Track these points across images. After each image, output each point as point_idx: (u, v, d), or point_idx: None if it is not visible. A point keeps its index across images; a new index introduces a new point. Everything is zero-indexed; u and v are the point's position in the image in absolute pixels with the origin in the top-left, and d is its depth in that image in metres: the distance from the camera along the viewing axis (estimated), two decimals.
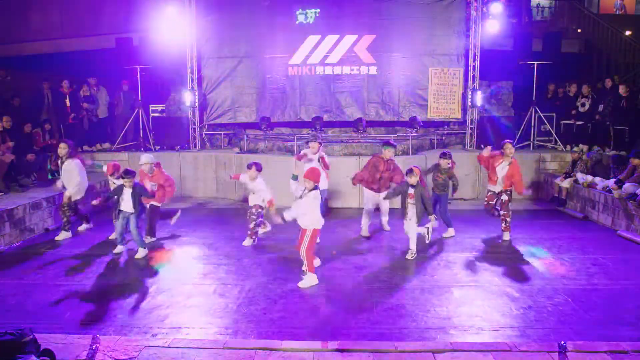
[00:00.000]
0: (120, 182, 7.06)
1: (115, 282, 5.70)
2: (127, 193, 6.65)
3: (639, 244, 7.08)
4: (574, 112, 10.94)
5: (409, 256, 6.47)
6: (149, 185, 7.27)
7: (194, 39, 11.11)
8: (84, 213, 7.90)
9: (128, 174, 6.69)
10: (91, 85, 11.62)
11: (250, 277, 5.85)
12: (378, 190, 7.50)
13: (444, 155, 7.41)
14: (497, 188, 7.42)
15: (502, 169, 7.36)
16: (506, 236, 7.40)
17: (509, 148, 7.32)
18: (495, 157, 7.47)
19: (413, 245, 6.51)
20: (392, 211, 7.90)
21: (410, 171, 6.42)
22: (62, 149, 7.38)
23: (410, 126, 10.90)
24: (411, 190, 6.40)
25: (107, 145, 11.61)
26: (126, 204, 6.68)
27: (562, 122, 11.39)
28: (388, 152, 7.45)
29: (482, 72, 11.14)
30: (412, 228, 6.47)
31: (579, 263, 6.33)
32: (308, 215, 5.55)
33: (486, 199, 7.71)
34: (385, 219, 7.87)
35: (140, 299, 5.21)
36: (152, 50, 11.06)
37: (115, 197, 6.71)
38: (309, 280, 5.56)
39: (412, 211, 6.41)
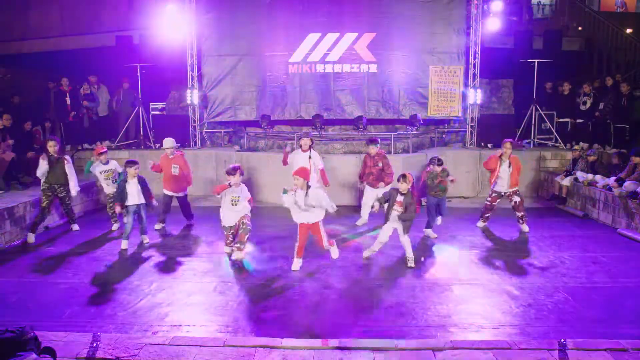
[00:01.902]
0: (104, 167, 7.75)
1: (116, 280, 5.70)
2: (132, 185, 6.79)
3: (639, 242, 7.08)
4: (583, 107, 10.83)
5: (365, 254, 6.41)
6: (176, 170, 7.77)
7: (194, 37, 11.10)
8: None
9: (133, 163, 6.83)
10: (92, 83, 11.62)
11: (250, 275, 5.86)
12: (372, 186, 7.96)
13: (439, 162, 7.33)
14: (504, 188, 7.68)
15: (505, 169, 7.58)
16: (525, 227, 7.77)
17: (508, 147, 7.55)
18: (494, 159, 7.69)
19: (377, 247, 6.34)
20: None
21: (403, 177, 6.02)
22: (53, 146, 7.27)
23: (411, 124, 10.91)
24: (400, 198, 6.02)
25: (107, 143, 11.60)
26: (133, 196, 6.83)
27: (557, 120, 11.37)
28: (372, 149, 7.89)
29: (483, 70, 11.13)
30: (385, 234, 6.24)
31: (579, 261, 6.33)
32: (316, 209, 5.81)
33: (490, 200, 7.85)
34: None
35: (141, 296, 5.22)
36: (153, 48, 11.05)
37: (122, 193, 6.81)
38: (336, 251, 6.20)
39: (394, 218, 6.11)
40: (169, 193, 7.96)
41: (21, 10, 12.61)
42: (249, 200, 6.41)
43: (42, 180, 7.30)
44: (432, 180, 7.32)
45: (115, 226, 7.87)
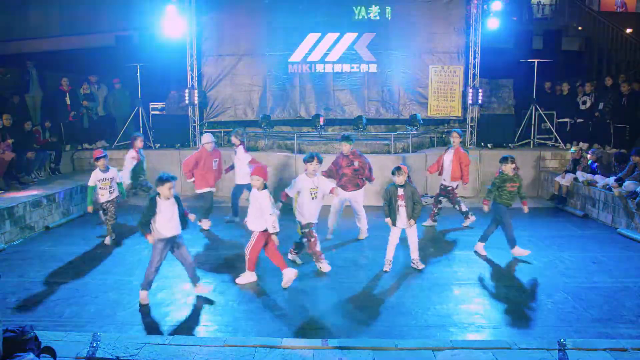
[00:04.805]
0: (102, 175, 6.93)
1: (116, 280, 5.70)
2: (167, 209, 4.92)
3: (639, 242, 7.09)
4: (583, 107, 10.83)
5: (417, 266, 6.01)
6: (216, 164, 7.78)
7: (194, 37, 11.10)
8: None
9: (166, 180, 4.88)
10: (92, 82, 11.61)
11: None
12: (344, 189, 6.94)
13: (505, 160, 6.38)
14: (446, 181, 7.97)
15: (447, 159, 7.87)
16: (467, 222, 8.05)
17: (455, 137, 7.86)
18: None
19: (391, 254, 6.04)
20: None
21: (397, 169, 5.81)
22: (141, 141, 8.29)
23: (411, 124, 10.90)
24: (400, 191, 5.82)
25: (103, 143, 11.58)
26: (170, 223, 4.93)
27: (557, 120, 11.37)
28: (345, 147, 7.04)
29: (483, 69, 11.13)
30: (412, 233, 5.93)
31: (579, 261, 6.34)
32: (261, 217, 5.37)
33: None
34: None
35: None
36: (152, 48, 11.05)
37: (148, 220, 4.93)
38: (248, 277, 5.59)
39: (403, 214, 5.84)
40: (211, 189, 7.89)
41: (21, 10, 12.61)
42: (330, 191, 5.85)
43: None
44: (502, 183, 6.36)
45: (108, 240, 7.08)
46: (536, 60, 10.99)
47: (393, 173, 5.83)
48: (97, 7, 12.39)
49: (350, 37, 11.06)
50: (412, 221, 5.83)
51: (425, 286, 5.52)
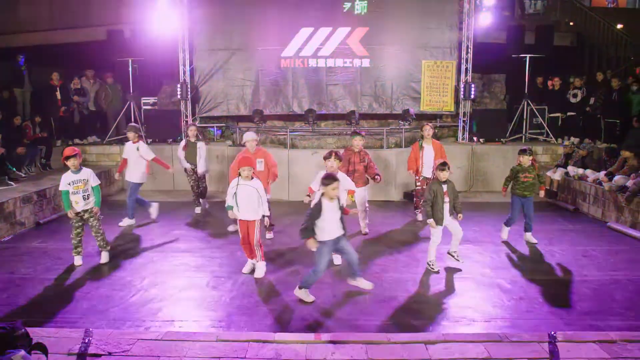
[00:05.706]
0: (74, 177, 5.80)
1: (108, 275, 5.68)
2: (330, 211, 4.65)
3: (629, 236, 7.17)
4: (574, 100, 10.88)
5: (435, 268, 5.80)
6: (261, 165, 6.72)
7: (186, 31, 11.02)
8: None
9: (334, 179, 4.63)
10: (88, 77, 11.50)
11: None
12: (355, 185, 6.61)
13: (523, 152, 6.69)
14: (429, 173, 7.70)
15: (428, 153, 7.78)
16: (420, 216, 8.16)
17: (430, 129, 7.87)
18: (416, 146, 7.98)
19: (434, 254, 5.88)
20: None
21: (445, 164, 5.65)
22: (193, 130, 8.47)
23: (403, 119, 10.92)
24: (445, 188, 5.65)
25: (94, 138, 11.49)
26: (332, 227, 4.72)
27: (548, 115, 11.45)
28: (357, 142, 6.99)
29: (475, 64, 11.16)
30: (458, 228, 5.81)
31: (570, 255, 6.40)
32: (259, 205, 5.53)
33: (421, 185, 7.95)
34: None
35: (133, 292, 5.20)
36: (144, 42, 10.96)
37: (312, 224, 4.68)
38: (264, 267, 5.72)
39: (447, 210, 5.68)
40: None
41: (11, 3, 12.45)
42: (348, 192, 5.73)
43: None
44: (515, 174, 6.70)
45: (78, 260, 5.99)
46: (528, 56, 11.05)
47: (442, 169, 5.63)
48: (88, 1, 12.27)
49: (343, 31, 11.03)
50: (461, 215, 5.81)
51: (417, 280, 5.55)
